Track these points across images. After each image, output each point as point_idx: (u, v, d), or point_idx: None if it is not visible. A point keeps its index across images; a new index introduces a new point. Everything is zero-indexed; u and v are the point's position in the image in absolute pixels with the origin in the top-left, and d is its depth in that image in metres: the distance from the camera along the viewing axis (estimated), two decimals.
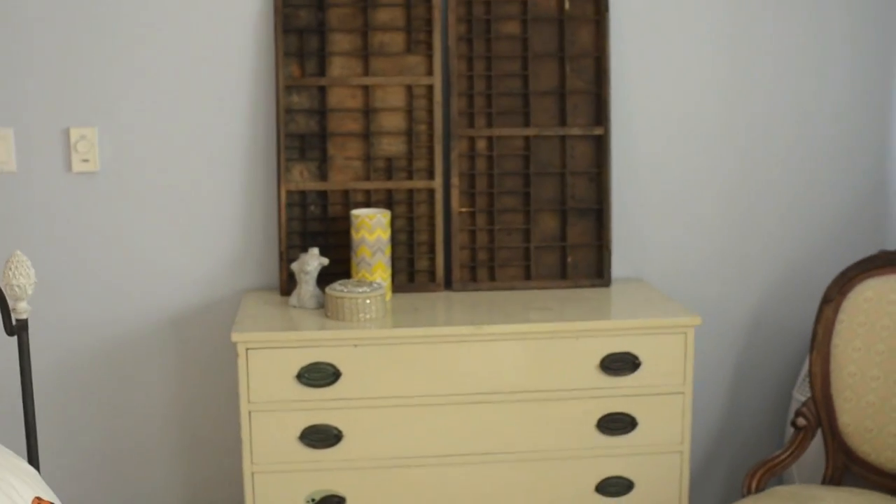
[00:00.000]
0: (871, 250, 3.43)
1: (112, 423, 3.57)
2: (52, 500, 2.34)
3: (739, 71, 3.59)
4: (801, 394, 3.54)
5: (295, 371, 3.03)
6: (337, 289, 3.14)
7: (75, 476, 3.56)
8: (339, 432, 3.07)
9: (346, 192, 3.42)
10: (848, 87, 3.65)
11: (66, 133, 3.39)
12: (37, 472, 2.51)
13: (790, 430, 3.39)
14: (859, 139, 3.67)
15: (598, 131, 3.47)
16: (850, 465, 3.26)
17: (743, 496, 3.17)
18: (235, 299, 3.49)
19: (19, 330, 2.73)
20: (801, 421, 3.28)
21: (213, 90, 3.41)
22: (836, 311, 3.28)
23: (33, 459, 2.82)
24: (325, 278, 3.31)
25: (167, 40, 3.38)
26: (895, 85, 3.66)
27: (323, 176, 3.42)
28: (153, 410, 3.57)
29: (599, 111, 3.48)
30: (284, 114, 3.38)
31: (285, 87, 3.38)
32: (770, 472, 3.23)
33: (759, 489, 3.19)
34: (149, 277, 3.49)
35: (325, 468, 3.09)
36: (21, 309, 2.72)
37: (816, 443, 3.34)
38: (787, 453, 3.26)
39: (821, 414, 3.28)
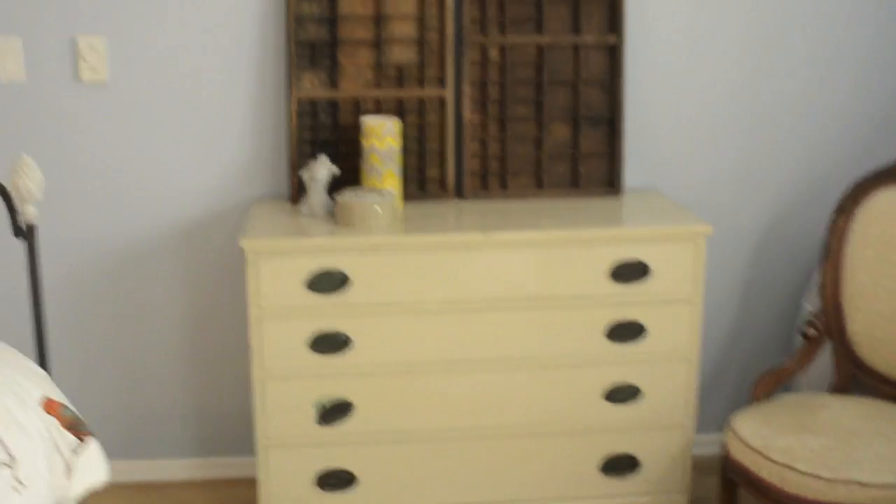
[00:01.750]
0: (884, 161, 3.40)
1: (123, 332, 3.59)
2: (62, 401, 2.37)
3: None
4: (810, 304, 3.54)
5: (304, 278, 3.03)
6: (347, 195, 3.13)
7: (86, 383, 3.60)
8: (348, 339, 3.08)
9: (356, 101, 3.40)
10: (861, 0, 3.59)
11: (74, 42, 3.37)
12: (47, 374, 2.53)
13: (799, 340, 3.39)
14: (873, 50, 3.62)
15: (612, 40, 3.43)
16: (857, 375, 3.27)
17: (750, 404, 3.19)
18: (245, 208, 3.49)
19: (28, 233, 2.74)
20: (810, 330, 3.28)
21: None
22: (848, 220, 3.26)
23: (44, 363, 2.85)
24: (335, 187, 3.30)
25: None
26: None
27: (333, 84, 3.39)
28: (164, 319, 3.60)
29: (614, 19, 3.43)
30: (295, 22, 3.34)
31: None
32: (778, 381, 3.24)
33: (766, 397, 3.20)
34: (158, 187, 3.49)
35: (333, 374, 3.11)
36: (29, 212, 2.73)
37: (825, 352, 3.34)
38: (796, 362, 3.27)
39: (830, 323, 3.28)
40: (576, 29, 3.43)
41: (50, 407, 2.30)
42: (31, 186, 2.68)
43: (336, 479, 3.20)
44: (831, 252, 3.28)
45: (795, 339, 3.61)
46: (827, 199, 3.53)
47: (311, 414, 3.13)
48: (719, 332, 3.79)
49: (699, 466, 3.62)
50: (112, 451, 3.57)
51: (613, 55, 3.45)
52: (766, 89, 3.61)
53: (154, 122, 3.45)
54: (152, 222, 3.52)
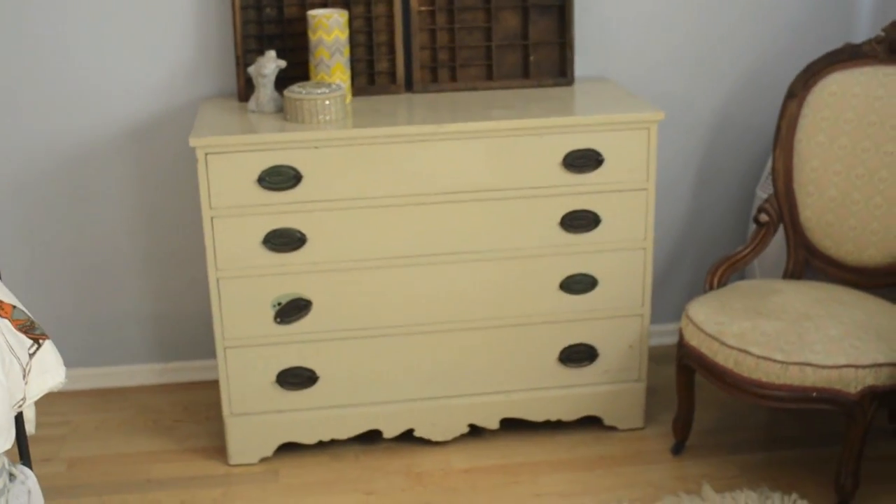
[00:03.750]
0: (836, 44, 3.39)
1: (75, 236, 3.55)
2: (12, 303, 2.33)
3: None
4: (764, 191, 3.55)
5: (256, 175, 2.99)
6: (295, 91, 3.08)
7: (39, 290, 3.56)
8: (303, 235, 3.06)
9: None
10: None
11: None
12: None
13: (753, 227, 3.41)
14: None
15: None
16: (810, 260, 3.30)
17: (705, 291, 3.22)
18: (193, 107, 3.43)
19: None
20: (763, 216, 3.29)
21: None
22: (800, 106, 3.26)
23: None
24: (283, 82, 3.24)
25: None
26: None
27: None
28: (116, 222, 3.55)
29: None
30: None
31: None
32: (732, 268, 3.26)
33: (721, 284, 3.23)
34: (103, 88, 3.41)
35: (289, 272, 3.09)
36: None
37: (778, 239, 3.37)
38: (749, 249, 3.29)
39: (783, 209, 3.30)
40: None
41: (1, 309, 2.26)
42: None
43: (296, 377, 3.20)
44: (783, 138, 3.28)
45: (750, 227, 3.63)
46: (779, 84, 3.52)
47: (269, 313, 3.12)
48: (674, 220, 3.80)
49: (656, 356, 3.66)
50: (70, 359, 3.53)
51: None
52: None
53: (96, 19, 3.36)
54: (99, 123, 3.45)
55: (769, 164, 3.50)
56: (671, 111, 3.51)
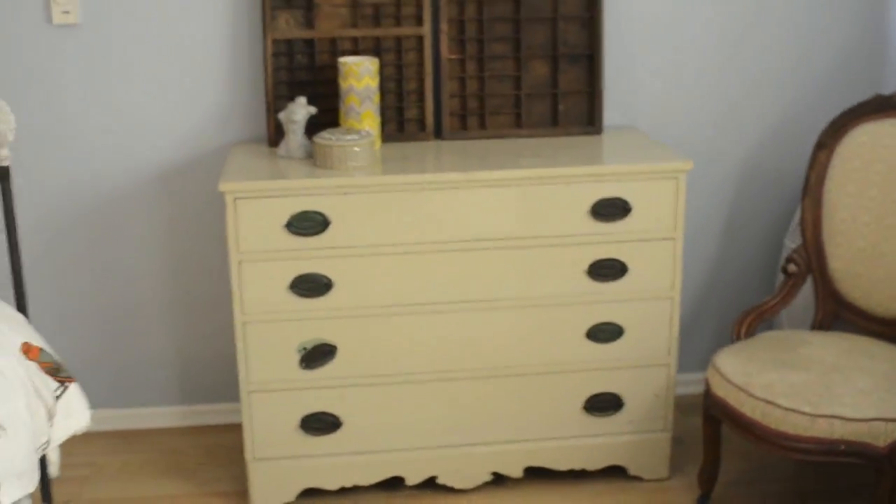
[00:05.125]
0: (866, 95, 3.39)
1: (103, 278, 3.57)
2: (40, 346, 2.35)
3: None
4: (792, 241, 3.53)
5: (284, 220, 3.01)
6: (325, 137, 3.10)
7: (66, 331, 3.57)
8: (330, 281, 3.06)
9: (333, 40, 3.36)
10: None
11: None
12: (24, 319, 2.51)
13: (781, 277, 3.39)
14: None
15: None
16: (839, 311, 3.27)
17: (732, 342, 3.20)
18: (223, 152, 3.45)
19: (2, 176, 2.71)
20: (791, 267, 3.28)
21: None
22: (829, 156, 3.25)
23: (22, 309, 2.82)
24: (313, 128, 3.26)
25: None
26: None
27: (309, 24, 3.34)
28: (143, 265, 3.57)
29: None
30: None
31: None
32: (760, 318, 3.24)
33: (748, 335, 3.21)
34: (134, 132, 3.45)
35: (315, 317, 3.09)
36: (2, 155, 2.69)
37: (807, 290, 3.35)
38: (777, 299, 3.27)
39: (811, 260, 3.28)
40: None
41: (29, 352, 2.28)
42: (3, 129, 2.64)
43: (320, 423, 3.19)
44: (812, 188, 3.27)
45: (778, 277, 3.61)
46: (808, 134, 3.50)
47: (295, 358, 3.12)
48: (701, 269, 3.79)
49: (682, 405, 3.63)
50: (95, 400, 3.55)
51: None
52: (746, 24, 3.58)
53: (128, 64, 3.40)
54: (129, 167, 3.48)
55: (797, 214, 3.49)
56: (699, 160, 3.51)
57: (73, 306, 3.58)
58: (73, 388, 2.34)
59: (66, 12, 3.33)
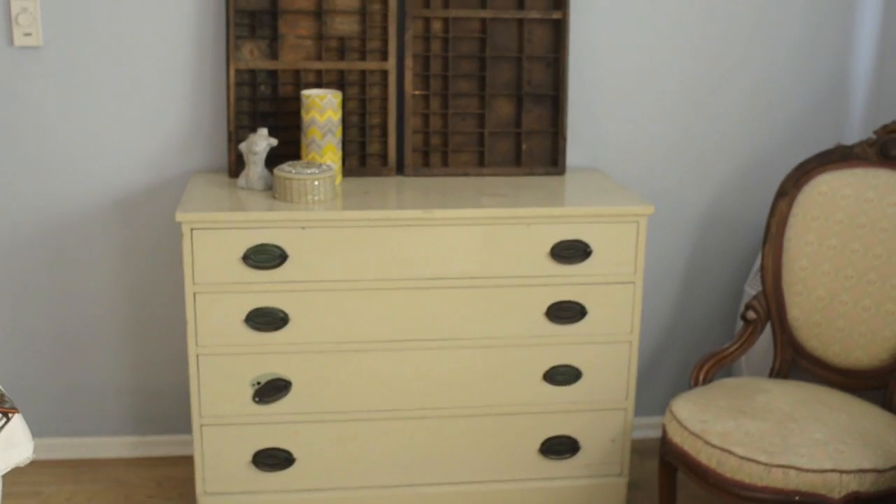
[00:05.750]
0: (828, 145, 3.40)
1: (56, 304, 3.51)
2: None
3: None
4: (752, 287, 3.53)
5: (241, 252, 2.97)
6: (285, 170, 3.07)
7: (17, 357, 3.52)
8: (286, 315, 3.03)
9: (297, 72, 3.33)
10: None
11: (7, 4, 3.26)
12: None
13: (740, 324, 3.39)
14: (820, 33, 3.62)
15: (556, 15, 3.39)
16: (797, 359, 3.27)
17: (690, 387, 3.18)
18: (183, 180, 3.42)
19: None
20: (750, 314, 3.27)
21: None
22: (790, 204, 3.25)
23: None
24: (274, 160, 3.24)
25: None
26: None
27: (273, 55, 3.32)
28: (99, 292, 3.52)
29: None
30: None
31: None
32: (718, 365, 3.23)
33: (706, 381, 3.20)
34: (94, 157, 3.40)
35: (270, 351, 3.06)
36: None
37: (766, 337, 3.34)
38: (736, 346, 3.26)
39: (771, 307, 3.28)
40: (520, 4, 3.39)
41: None
42: None
43: (273, 459, 3.15)
44: (773, 236, 3.27)
45: (737, 322, 3.61)
46: (770, 182, 3.52)
47: (248, 391, 3.08)
48: (661, 314, 3.78)
49: (639, 449, 3.62)
50: (44, 427, 3.53)
51: (558, 30, 3.40)
52: (709, 69, 3.59)
53: (90, 88, 3.36)
54: (88, 193, 3.43)
55: (758, 260, 3.49)
56: (661, 204, 3.51)
57: (25, 330, 3.52)
58: (16, 420, 2.28)
59: (28, 34, 3.29)
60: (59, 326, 3.53)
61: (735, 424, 2.87)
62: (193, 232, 2.95)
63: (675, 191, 3.66)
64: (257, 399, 3.09)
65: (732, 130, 3.65)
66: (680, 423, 2.96)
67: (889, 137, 3.15)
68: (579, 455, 3.27)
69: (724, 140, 3.65)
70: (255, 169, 3.18)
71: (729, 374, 3.63)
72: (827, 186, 3.21)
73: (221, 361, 3.05)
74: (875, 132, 3.19)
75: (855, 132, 3.65)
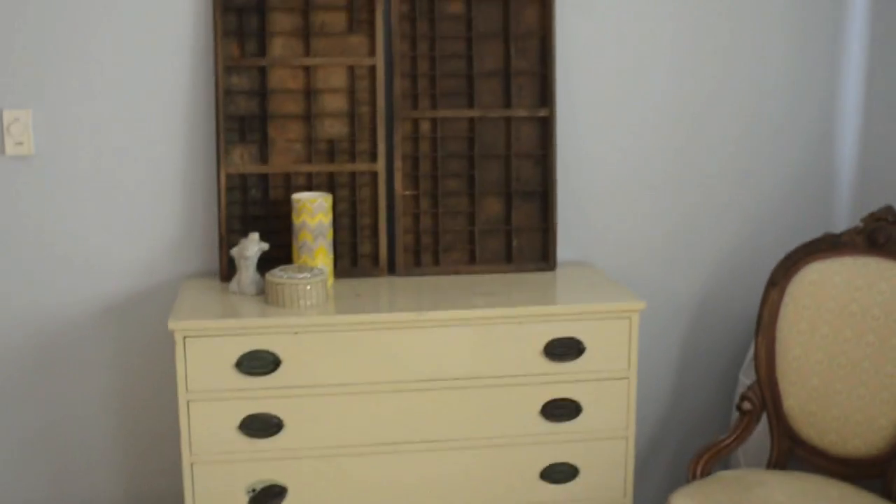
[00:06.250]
0: (815, 234, 3.42)
1: (48, 414, 3.48)
2: None
3: (684, 53, 3.56)
4: (747, 377, 3.53)
5: (234, 359, 2.97)
6: (277, 275, 3.08)
7: (7, 466, 3.49)
8: (280, 421, 3.02)
9: (287, 176, 3.36)
10: (791, 73, 3.63)
11: (0, 115, 3.30)
12: None
13: (736, 414, 3.38)
14: (803, 124, 3.66)
15: (543, 113, 3.43)
16: (794, 449, 3.26)
17: (688, 481, 3.17)
18: (175, 285, 3.42)
19: None
20: (746, 405, 3.27)
21: (151, 71, 3.33)
22: (781, 294, 3.27)
23: None
24: (266, 263, 3.24)
25: (103, 21, 3.28)
26: (838, 69, 3.65)
27: (264, 159, 3.35)
28: (90, 400, 3.49)
29: (545, 92, 3.43)
30: (224, 95, 3.30)
31: (225, 68, 3.30)
32: (715, 457, 3.22)
33: (704, 474, 3.18)
34: (85, 264, 3.41)
35: (265, 458, 3.04)
36: None
37: (762, 427, 3.33)
38: (733, 437, 3.25)
39: (766, 397, 3.27)
40: (507, 103, 3.43)
41: None
42: None
43: None
44: (765, 326, 3.27)
45: (733, 411, 3.60)
46: (759, 271, 3.54)
47: (244, 499, 3.05)
48: (655, 407, 3.77)
49: None
50: None
51: (545, 127, 3.44)
52: (697, 160, 3.63)
53: (81, 196, 3.37)
54: (79, 300, 3.43)
55: (751, 349, 3.50)
56: (651, 296, 3.52)
57: (14, 443, 3.48)
58: None
59: (20, 143, 3.32)
60: (50, 436, 3.50)
61: None
62: (186, 340, 2.95)
63: (666, 282, 3.68)
64: None
65: (720, 222, 3.68)
66: None
67: (876, 225, 3.18)
68: None
69: (712, 231, 3.68)
70: (247, 273, 3.18)
71: (726, 465, 3.61)
72: (817, 275, 3.23)
73: (216, 469, 3.03)
74: (862, 220, 3.21)
75: (842, 219, 3.68)
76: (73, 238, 3.39)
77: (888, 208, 3.19)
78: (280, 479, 3.06)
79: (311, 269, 3.12)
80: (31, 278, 3.40)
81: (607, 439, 3.18)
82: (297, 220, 3.20)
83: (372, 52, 3.35)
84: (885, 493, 3.07)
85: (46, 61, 3.28)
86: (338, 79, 3.36)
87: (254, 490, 3.06)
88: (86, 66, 3.30)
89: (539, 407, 3.12)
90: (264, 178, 3.36)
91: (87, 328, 3.45)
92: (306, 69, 3.34)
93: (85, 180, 3.37)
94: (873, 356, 3.11)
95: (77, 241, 3.40)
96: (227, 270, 3.33)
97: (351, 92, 3.36)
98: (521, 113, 3.43)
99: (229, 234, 3.33)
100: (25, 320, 3.42)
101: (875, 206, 3.34)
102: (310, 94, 3.34)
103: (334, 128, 3.37)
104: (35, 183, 3.35)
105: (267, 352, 2.98)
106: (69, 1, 3.26)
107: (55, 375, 3.47)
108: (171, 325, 2.94)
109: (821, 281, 3.22)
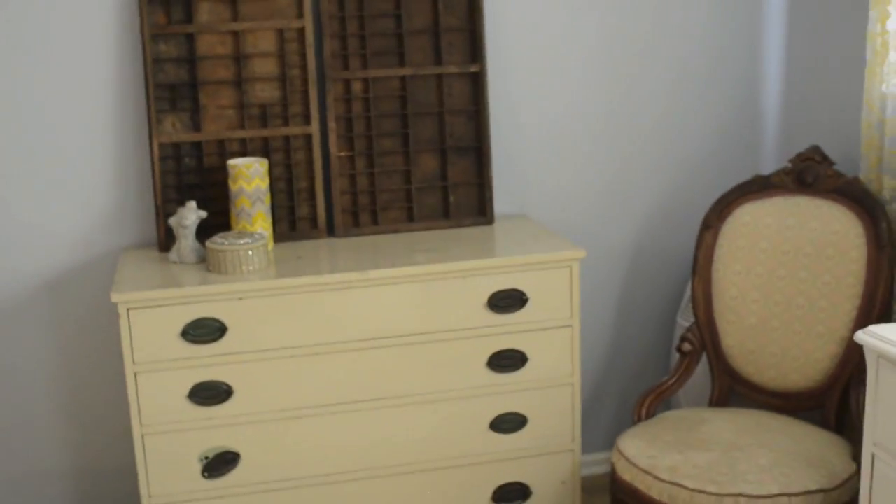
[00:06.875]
0: (743, 175, 3.49)
1: None
2: None
3: (615, 6, 3.59)
4: (684, 319, 3.60)
5: (179, 328, 2.96)
6: (218, 242, 3.07)
7: None
8: (229, 388, 3.02)
9: (221, 142, 3.34)
10: (716, 23, 3.68)
11: None
12: None
13: (675, 356, 3.45)
14: (730, 67, 3.72)
15: (474, 69, 3.44)
16: (735, 387, 3.34)
17: (634, 423, 3.23)
18: (113, 258, 3.39)
19: None
20: (686, 346, 3.34)
21: (77, 41, 3.27)
22: (715, 236, 3.33)
23: None
24: (204, 231, 3.23)
25: None
26: (760, 16, 3.70)
27: (196, 126, 3.33)
28: (36, 378, 3.46)
29: (475, 48, 3.45)
30: (152, 63, 3.26)
31: (151, 36, 3.26)
32: (659, 398, 3.29)
33: (649, 416, 3.25)
34: (19, 239, 3.36)
35: (216, 425, 3.04)
36: None
37: (700, 367, 3.40)
38: (674, 379, 3.32)
39: (705, 338, 3.34)
40: (438, 60, 3.44)
41: None
42: None
43: None
44: (701, 268, 3.34)
45: (672, 353, 3.67)
46: (693, 215, 3.59)
47: (197, 467, 3.05)
48: (597, 354, 3.83)
49: (588, 488, 3.66)
50: None
51: (476, 83, 3.46)
52: (628, 110, 3.67)
53: (10, 170, 3.31)
54: (16, 276, 3.38)
55: (687, 291, 3.56)
56: (588, 245, 3.56)
57: None
58: None
59: None
60: None
61: (682, 457, 2.93)
62: (130, 312, 2.93)
63: (602, 230, 3.72)
64: (206, 474, 3.07)
65: (652, 168, 3.73)
66: (628, 460, 3.00)
67: (804, 165, 3.25)
68: (531, 500, 3.30)
69: (644, 178, 3.73)
70: (187, 242, 3.17)
71: (668, 406, 3.69)
72: (749, 216, 3.30)
73: (167, 439, 3.03)
74: (790, 161, 3.29)
75: (769, 162, 3.75)
76: (4, 215, 3.34)
77: (815, 148, 3.26)
78: (232, 445, 3.07)
79: (251, 235, 3.11)
80: None
81: (554, 387, 3.23)
82: (233, 187, 3.19)
83: (300, 14, 3.34)
84: (823, 424, 3.17)
85: None
86: (267, 43, 3.34)
87: (206, 458, 3.06)
88: (8, 39, 3.24)
89: (486, 359, 3.16)
90: (198, 145, 3.33)
91: (25, 304, 3.40)
92: (235, 34, 3.32)
93: (14, 154, 3.31)
94: (807, 292, 3.19)
95: (9, 217, 3.34)
96: (165, 240, 3.31)
97: (281, 55, 3.35)
98: (452, 70, 3.44)
99: (165, 204, 3.31)
100: None
101: (800, 148, 3.41)
102: (239, 59, 3.32)
103: (266, 92, 3.36)
104: None
105: (212, 319, 2.97)
106: None
107: None
108: (115, 297, 2.92)
109: (753, 222, 3.29)
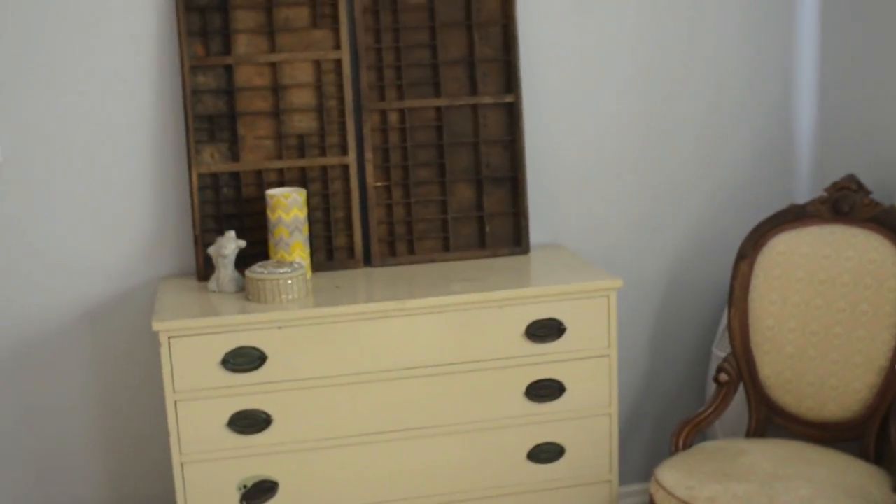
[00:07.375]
0: (780, 205, 3.49)
1: (33, 423, 3.46)
2: None
3: (649, 36, 3.61)
4: (720, 350, 3.60)
5: (219, 357, 2.98)
6: (257, 271, 3.09)
7: None
8: (268, 416, 3.03)
9: (258, 172, 3.37)
10: (749, 52, 3.69)
11: None
12: None
13: (712, 386, 3.44)
14: (764, 96, 3.73)
15: (509, 99, 3.47)
16: (772, 417, 3.33)
17: (671, 454, 3.22)
18: (152, 287, 3.42)
19: None
20: (723, 376, 3.33)
21: (116, 74, 3.31)
22: (751, 266, 3.33)
23: None
24: (242, 261, 3.26)
25: (66, 24, 3.27)
26: (793, 45, 3.72)
27: (234, 157, 3.36)
28: (75, 407, 3.48)
29: (510, 78, 3.47)
30: (191, 95, 3.30)
31: (190, 68, 3.30)
32: (696, 429, 3.28)
33: (686, 446, 3.24)
34: (61, 270, 3.39)
35: (255, 454, 3.05)
36: None
37: (737, 398, 3.40)
38: (711, 409, 3.31)
39: (742, 368, 3.34)
40: (473, 90, 3.46)
41: None
42: None
43: None
44: (736, 298, 3.34)
45: (708, 383, 3.66)
46: (727, 244, 3.60)
47: (235, 496, 3.06)
48: (634, 383, 3.83)
49: None
50: None
51: (511, 113, 3.48)
52: (662, 140, 3.68)
53: (52, 201, 3.35)
54: (55, 306, 3.41)
55: (723, 321, 3.56)
56: (623, 275, 3.56)
57: (1, 452, 3.47)
58: None
59: None
60: (35, 442, 3.48)
61: (722, 488, 2.91)
62: (171, 340, 2.95)
63: (637, 260, 3.73)
64: (245, 503, 3.07)
65: (687, 198, 3.73)
66: (667, 490, 2.99)
67: (840, 194, 3.25)
68: None
69: (679, 207, 3.74)
70: (226, 272, 3.19)
71: (704, 437, 3.67)
72: (785, 246, 3.30)
73: (206, 468, 3.04)
74: (826, 190, 3.29)
75: (804, 191, 3.75)
76: (46, 245, 3.37)
77: (850, 177, 3.26)
78: (271, 473, 3.07)
79: (290, 264, 3.13)
80: (7, 284, 3.37)
81: (591, 417, 3.23)
82: (272, 216, 3.21)
83: (337, 46, 3.37)
84: (862, 455, 3.15)
85: (9, 68, 3.26)
86: (304, 74, 3.37)
87: (245, 486, 3.07)
88: (50, 71, 3.28)
89: (523, 388, 3.16)
90: (236, 175, 3.36)
91: (65, 332, 3.43)
92: (272, 65, 3.35)
93: (55, 187, 3.35)
94: (845, 322, 3.18)
95: (51, 248, 3.37)
96: (204, 270, 3.33)
97: (318, 86, 3.38)
98: (488, 100, 3.46)
99: (204, 234, 3.34)
100: (3, 326, 3.39)
101: (835, 177, 3.42)
102: (277, 90, 3.36)
103: (303, 122, 3.39)
104: (4, 190, 3.32)
105: (252, 348, 2.99)
106: (31, 7, 3.24)
107: (35, 380, 3.44)
108: (156, 325, 2.94)
109: (789, 251, 3.29)
